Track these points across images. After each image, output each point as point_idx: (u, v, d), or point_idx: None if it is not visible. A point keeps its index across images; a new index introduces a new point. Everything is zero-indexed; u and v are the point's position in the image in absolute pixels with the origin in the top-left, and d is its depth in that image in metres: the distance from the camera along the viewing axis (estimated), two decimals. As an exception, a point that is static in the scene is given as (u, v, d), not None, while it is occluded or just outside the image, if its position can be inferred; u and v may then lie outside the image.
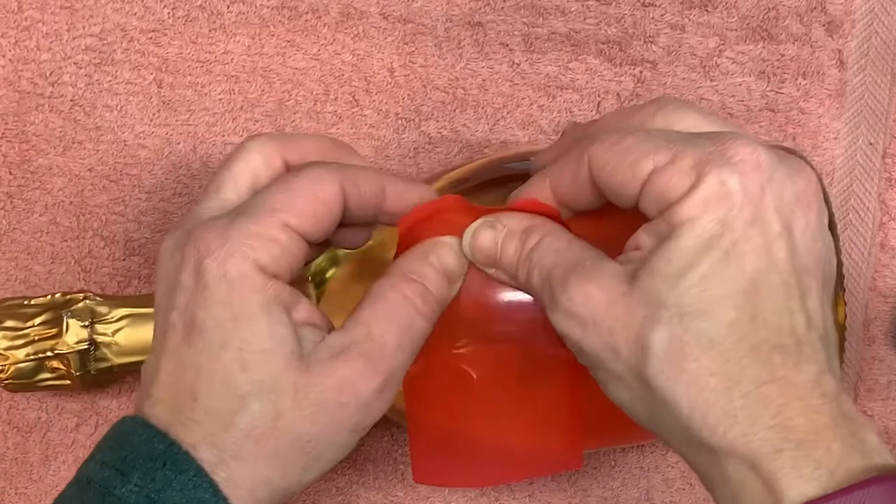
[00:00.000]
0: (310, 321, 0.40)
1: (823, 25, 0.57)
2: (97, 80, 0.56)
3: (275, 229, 0.39)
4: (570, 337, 0.38)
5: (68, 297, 0.49)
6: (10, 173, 0.56)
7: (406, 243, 0.42)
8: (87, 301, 0.49)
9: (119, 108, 0.56)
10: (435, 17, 0.57)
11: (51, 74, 0.56)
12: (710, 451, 0.35)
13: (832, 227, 0.44)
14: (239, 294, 0.38)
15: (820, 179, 0.38)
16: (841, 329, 0.44)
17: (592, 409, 0.43)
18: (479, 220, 0.41)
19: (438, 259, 0.41)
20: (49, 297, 0.49)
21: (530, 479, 0.53)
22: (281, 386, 0.38)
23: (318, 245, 0.42)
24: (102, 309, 0.49)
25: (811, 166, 0.43)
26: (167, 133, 0.56)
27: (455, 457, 0.44)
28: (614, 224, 0.38)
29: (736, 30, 0.57)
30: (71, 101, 0.56)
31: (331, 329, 0.40)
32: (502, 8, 0.57)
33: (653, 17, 0.57)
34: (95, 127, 0.56)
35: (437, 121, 0.56)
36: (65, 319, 0.49)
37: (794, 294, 0.36)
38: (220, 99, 0.56)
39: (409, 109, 0.56)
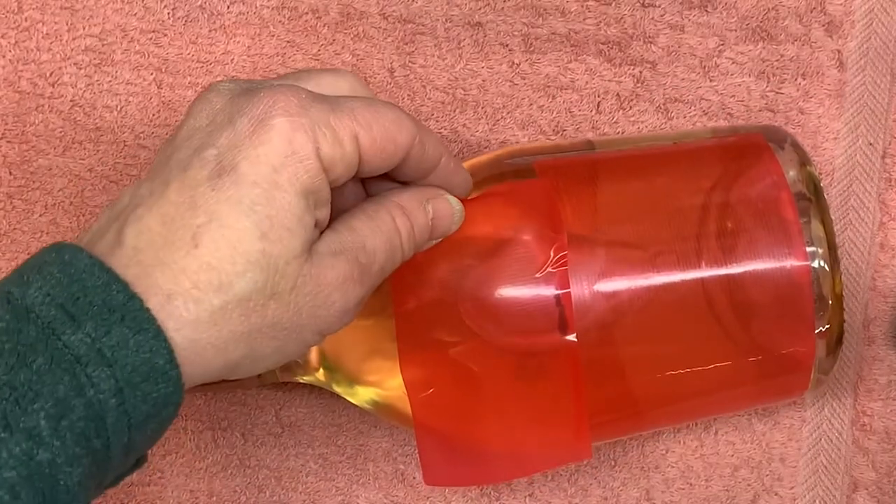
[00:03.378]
0: (322, 224, 0.39)
1: (823, 26, 0.57)
2: (97, 81, 0.56)
3: (347, 135, 0.38)
4: None
5: None
6: (10, 174, 0.56)
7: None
8: None
9: (119, 108, 0.56)
10: (435, 17, 0.57)
11: (51, 75, 0.56)
12: None
13: (822, 204, 0.45)
14: (292, 166, 0.37)
15: None
16: (838, 302, 0.45)
17: (596, 398, 0.43)
18: None
19: (434, 209, 0.42)
20: None
21: (531, 477, 0.53)
22: (288, 270, 0.37)
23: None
24: None
25: (808, 162, 0.44)
26: (167, 133, 0.56)
27: (464, 456, 0.44)
28: None
29: (735, 30, 0.57)
30: (71, 101, 0.56)
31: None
32: (502, 8, 0.57)
33: (652, 18, 0.57)
34: (95, 127, 0.56)
35: (437, 121, 0.56)
36: None
37: None
38: (220, 99, 0.56)
39: (408, 109, 0.56)
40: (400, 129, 0.39)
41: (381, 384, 0.46)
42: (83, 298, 0.34)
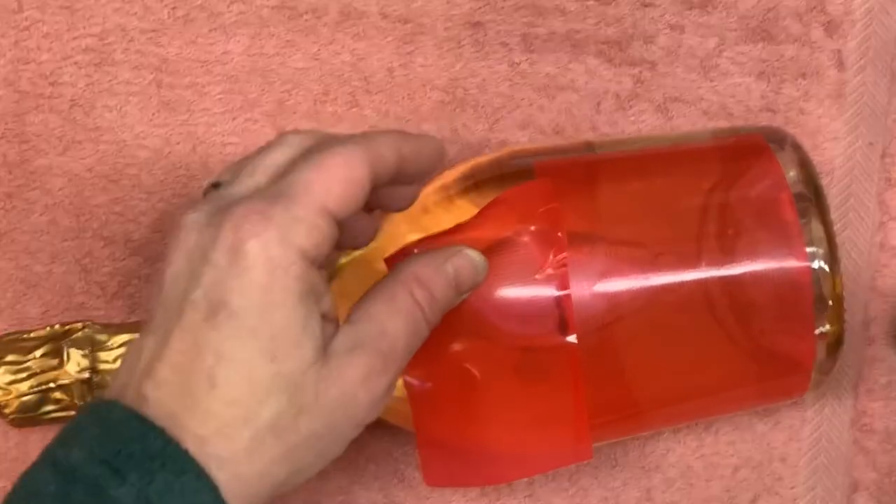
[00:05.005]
0: (330, 314, 0.39)
1: (823, 25, 0.57)
2: (97, 81, 0.56)
3: (317, 215, 0.37)
4: None
5: (67, 326, 0.49)
6: (10, 173, 0.55)
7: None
8: (87, 330, 0.49)
9: (119, 108, 0.56)
10: (435, 17, 0.57)
11: (50, 74, 0.56)
12: None
13: (822, 205, 0.45)
14: (280, 280, 0.36)
15: None
16: (839, 304, 0.45)
17: (597, 398, 0.43)
18: None
19: (454, 269, 0.41)
20: (48, 328, 0.49)
21: (531, 477, 0.53)
22: (306, 381, 0.37)
23: None
24: (102, 337, 0.49)
25: (808, 164, 0.43)
26: (167, 133, 0.56)
27: (464, 457, 0.44)
28: None
29: (735, 30, 0.57)
30: (71, 101, 0.56)
31: (338, 320, 0.40)
32: (502, 8, 0.57)
33: (652, 18, 0.57)
34: (95, 127, 0.56)
35: (437, 121, 0.56)
36: (65, 349, 0.48)
37: None
38: (220, 99, 0.56)
39: (408, 109, 0.56)
40: (354, 167, 0.39)
41: None
42: (124, 451, 0.35)
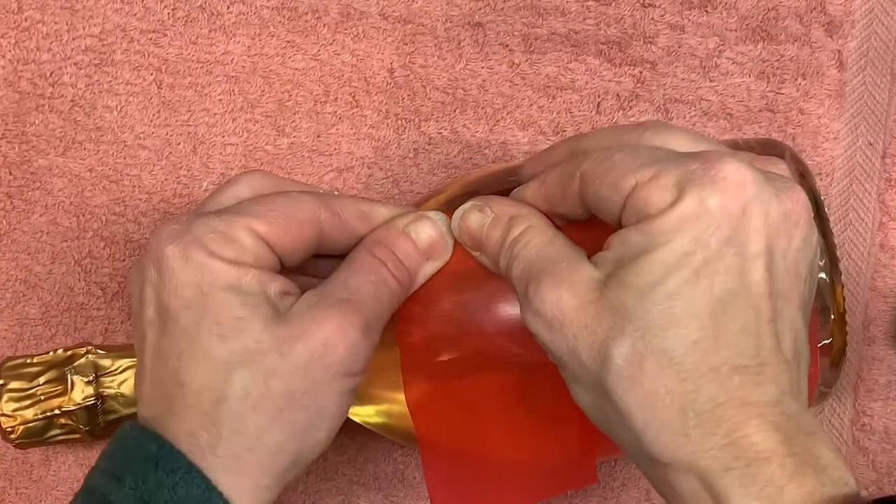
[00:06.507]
0: (285, 291, 0.40)
1: (823, 26, 0.57)
2: (97, 81, 0.56)
3: (240, 230, 0.39)
4: (538, 336, 0.38)
5: (70, 352, 0.49)
6: (10, 174, 0.56)
7: None
8: (90, 356, 0.49)
9: (119, 108, 0.56)
10: (435, 17, 0.57)
11: (51, 75, 0.56)
12: (662, 465, 0.35)
13: (822, 217, 0.44)
14: (205, 272, 0.38)
15: (809, 174, 0.39)
16: (841, 317, 0.45)
17: None
18: (470, 203, 0.41)
19: (416, 233, 0.42)
20: (51, 353, 0.49)
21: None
22: (264, 346, 0.38)
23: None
24: (105, 362, 0.49)
25: (808, 175, 0.43)
26: (167, 133, 0.56)
27: (470, 479, 0.44)
28: (604, 230, 0.38)
29: (735, 30, 0.57)
30: (71, 101, 0.56)
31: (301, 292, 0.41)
32: (502, 8, 0.57)
33: (652, 18, 0.57)
34: (95, 127, 0.56)
35: (437, 121, 0.56)
36: (69, 377, 0.48)
37: (765, 316, 0.35)
38: (220, 99, 0.56)
39: (408, 110, 0.56)
40: (297, 207, 0.41)
41: (389, 413, 0.46)
42: (125, 459, 0.39)
